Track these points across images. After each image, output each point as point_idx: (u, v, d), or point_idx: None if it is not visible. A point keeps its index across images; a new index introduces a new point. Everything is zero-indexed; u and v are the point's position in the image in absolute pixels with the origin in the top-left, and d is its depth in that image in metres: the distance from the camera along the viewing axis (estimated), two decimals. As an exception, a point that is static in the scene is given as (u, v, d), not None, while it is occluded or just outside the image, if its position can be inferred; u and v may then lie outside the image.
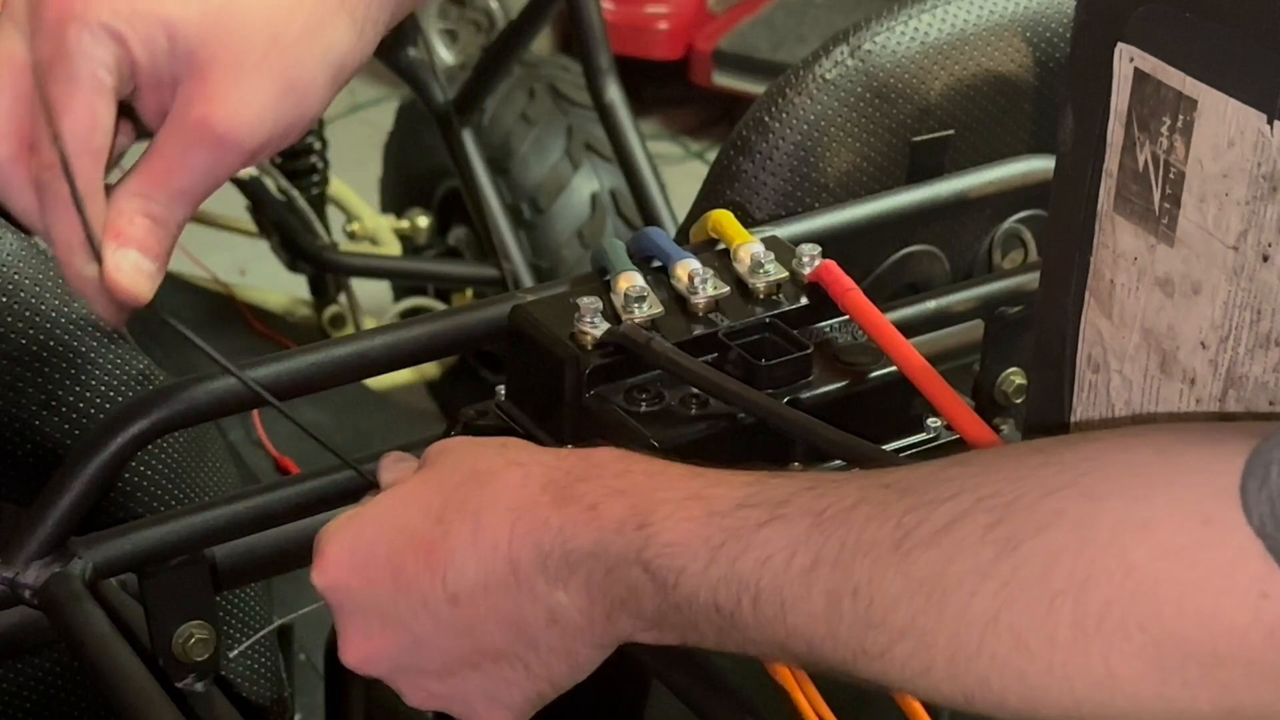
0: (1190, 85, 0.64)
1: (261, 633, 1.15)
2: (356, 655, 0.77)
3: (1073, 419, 0.76)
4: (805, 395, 0.89)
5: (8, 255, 1.00)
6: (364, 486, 1.02)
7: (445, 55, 3.86)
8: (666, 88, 3.74)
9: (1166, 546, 0.56)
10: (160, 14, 0.76)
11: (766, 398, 0.87)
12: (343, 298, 2.53)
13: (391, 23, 0.83)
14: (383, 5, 0.81)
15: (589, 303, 0.90)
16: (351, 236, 2.56)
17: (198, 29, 0.76)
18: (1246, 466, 0.55)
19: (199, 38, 0.76)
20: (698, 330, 0.91)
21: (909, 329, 0.94)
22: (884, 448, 0.89)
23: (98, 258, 0.77)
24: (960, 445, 0.89)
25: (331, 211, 2.51)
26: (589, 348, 0.90)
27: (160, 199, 0.78)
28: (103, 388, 1.03)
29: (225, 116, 0.76)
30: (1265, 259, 0.62)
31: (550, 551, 0.70)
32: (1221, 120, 0.63)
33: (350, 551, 0.76)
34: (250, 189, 2.41)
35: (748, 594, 0.65)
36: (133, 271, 0.77)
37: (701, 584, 0.66)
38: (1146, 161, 0.67)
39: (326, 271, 2.45)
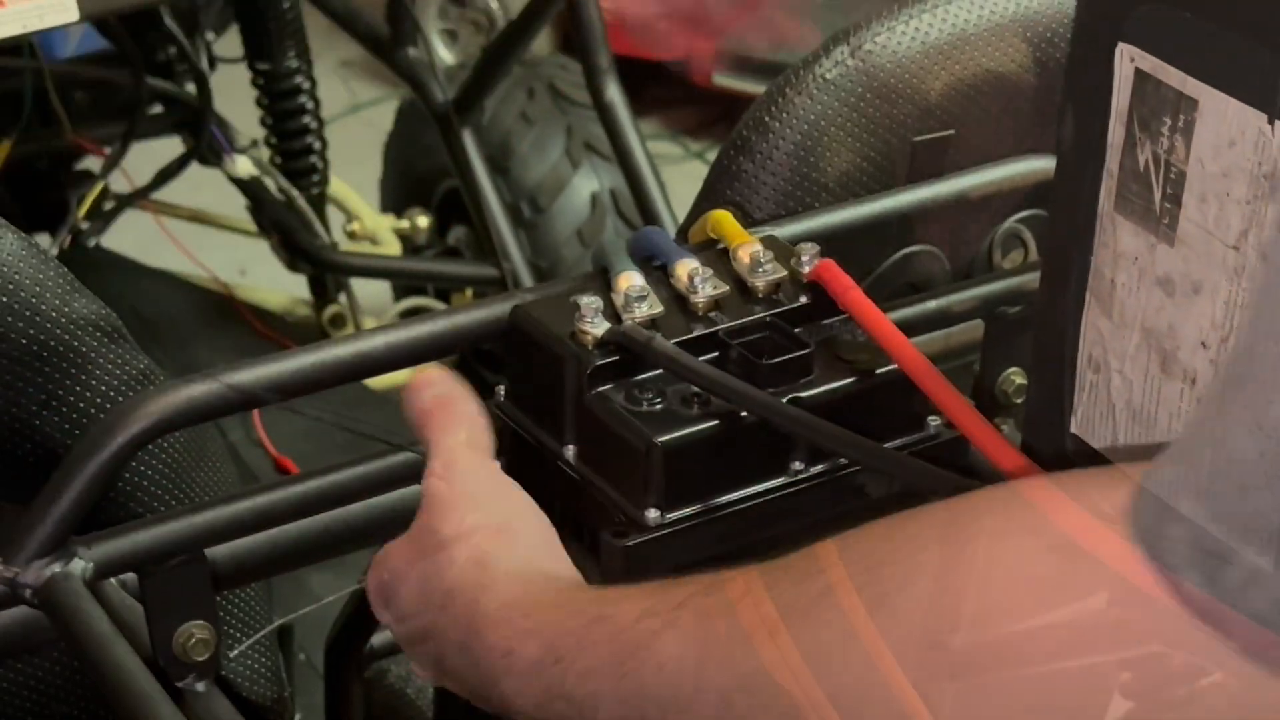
0: (1191, 85, 0.64)
1: (262, 633, 1.15)
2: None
3: (1073, 419, 0.76)
4: (806, 394, 0.89)
5: (8, 255, 1.00)
6: (363, 487, 1.02)
7: (445, 55, 3.86)
8: (666, 88, 3.73)
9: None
10: None
11: (768, 396, 0.87)
12: (343, 297, 2.53)
13: None
14: None
15: (589, 302, 0.90)
16: (351, 236, 2.56)
17: None
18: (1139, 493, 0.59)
19: None
20: (698, 329, 0.91)
21: (909, 329, 0.94)
22: (885, 446, 0.89)
23: None
24: (961, 442, 0.89)
25: (331, 211, 2.50)
26: (590, 347, 0.90)
27: None
28: (103, 387, 1.03)
29: None
30: (1266, 258, 0.62)
31: (483, 685, 0.76)
32: (1222, 120, 0.63)
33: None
34: (250, 189, 2.41)
35: (651, 705, 0.69)
36: None
37: (613, 700, 0.70)
38: (1147, 161, 0.67)
39: (326, 271, 2.45)
